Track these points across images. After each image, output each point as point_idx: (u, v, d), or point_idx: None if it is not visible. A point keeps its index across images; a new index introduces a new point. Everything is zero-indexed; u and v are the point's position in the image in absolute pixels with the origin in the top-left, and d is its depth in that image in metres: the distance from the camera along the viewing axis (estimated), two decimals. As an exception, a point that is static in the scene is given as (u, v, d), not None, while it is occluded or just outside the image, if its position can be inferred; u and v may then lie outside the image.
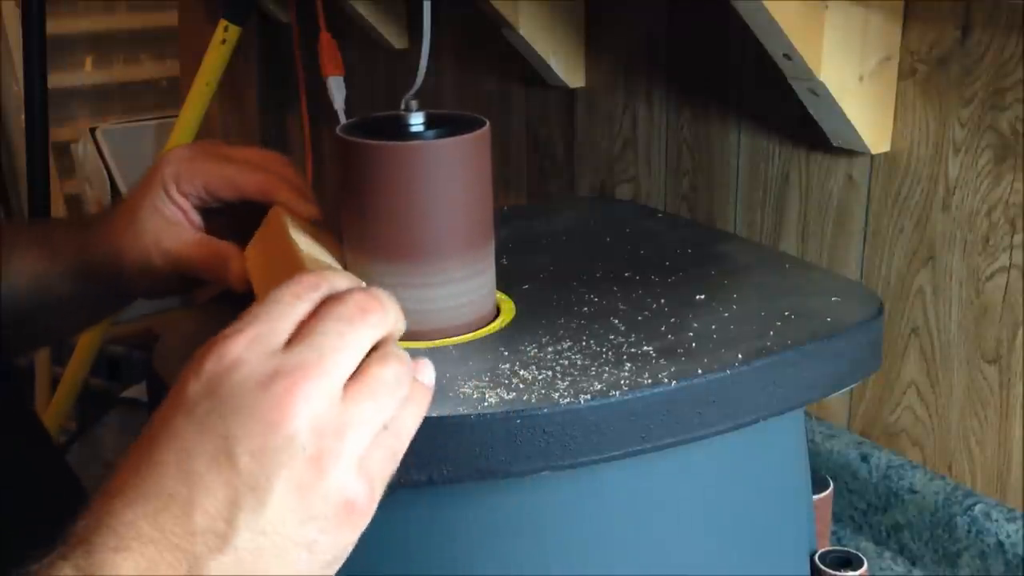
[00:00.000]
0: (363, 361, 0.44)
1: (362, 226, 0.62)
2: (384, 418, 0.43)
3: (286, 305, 0.44)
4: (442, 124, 0.62)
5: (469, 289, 0.63)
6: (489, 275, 0.65)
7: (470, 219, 0.63)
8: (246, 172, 0.68)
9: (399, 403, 0.45)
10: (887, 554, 0.84)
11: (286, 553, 0.40)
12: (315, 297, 0.45)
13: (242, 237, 0.67)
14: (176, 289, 0.71)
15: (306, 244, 0.62)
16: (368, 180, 0.61)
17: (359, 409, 0.42)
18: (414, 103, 0.62)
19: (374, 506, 0.43)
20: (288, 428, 0.39)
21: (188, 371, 0.42)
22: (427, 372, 0.49)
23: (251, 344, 0.42)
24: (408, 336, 0.63)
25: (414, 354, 0.61)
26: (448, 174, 0.61)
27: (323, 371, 0.41)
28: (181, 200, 0.69)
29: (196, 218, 0.70)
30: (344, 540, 0.42)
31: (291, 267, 0.60)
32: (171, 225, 0.68)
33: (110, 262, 0.70)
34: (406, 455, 0.46)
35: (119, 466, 0.42)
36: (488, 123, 0.63)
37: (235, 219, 0.68)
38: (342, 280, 0.47)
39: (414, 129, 0.62)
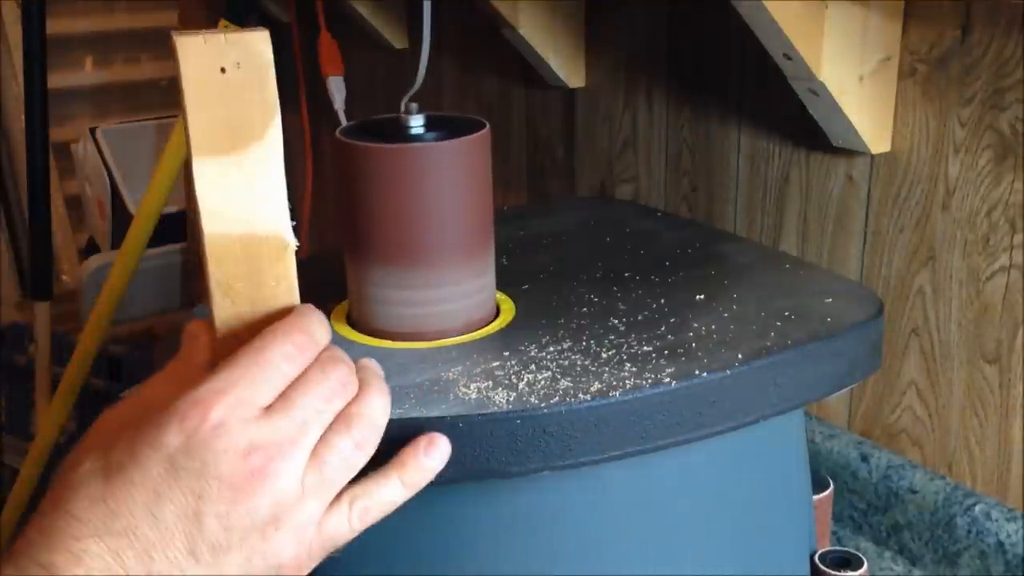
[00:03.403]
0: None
1: (363, 228, 0.62)
2: (334, 491, 0.47)
3: (273, 369, 0.46)
4: (442, 126, 0.62)
5: (469, 290, 0.63)
6: (489, 276, 0.65)
7: (470, 221, 0.63)
8: None
9: (353, 473, 0.48)
10: (887, 554, 0.84)
11: None
12: (302, 361, 0.47)
13: None
14: None
15: None
16: (368, 182, 0.61)
17: (316, 486, 0.46)
18: (414, 106, 0.62)
19: (306, 569, 0.47)
20: (255, 501, 0.44)
21: (170, 418, 0.44)
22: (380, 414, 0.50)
23: (234, 408, 0.45)
24: (408, 337, 0.63)
25: (414, 354, 0.62)
26: (448, 176, 0.61)
27: (297, 446, 0.46)
28: None
29: None
30: None
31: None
32: None
33: None
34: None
35: (72, 480, 0.44)
36: (488, 125, 0.63)
37: None
38: (325, 338, 0.49)
39: (414, 131, 0.62)
